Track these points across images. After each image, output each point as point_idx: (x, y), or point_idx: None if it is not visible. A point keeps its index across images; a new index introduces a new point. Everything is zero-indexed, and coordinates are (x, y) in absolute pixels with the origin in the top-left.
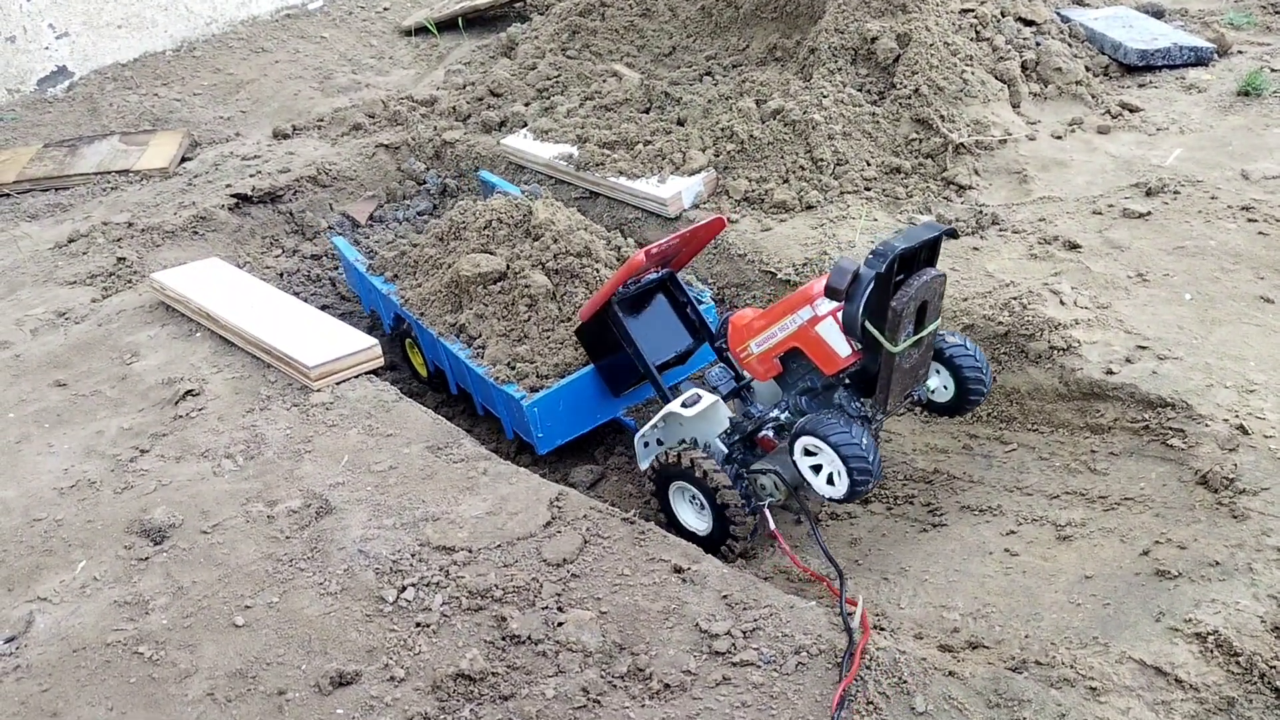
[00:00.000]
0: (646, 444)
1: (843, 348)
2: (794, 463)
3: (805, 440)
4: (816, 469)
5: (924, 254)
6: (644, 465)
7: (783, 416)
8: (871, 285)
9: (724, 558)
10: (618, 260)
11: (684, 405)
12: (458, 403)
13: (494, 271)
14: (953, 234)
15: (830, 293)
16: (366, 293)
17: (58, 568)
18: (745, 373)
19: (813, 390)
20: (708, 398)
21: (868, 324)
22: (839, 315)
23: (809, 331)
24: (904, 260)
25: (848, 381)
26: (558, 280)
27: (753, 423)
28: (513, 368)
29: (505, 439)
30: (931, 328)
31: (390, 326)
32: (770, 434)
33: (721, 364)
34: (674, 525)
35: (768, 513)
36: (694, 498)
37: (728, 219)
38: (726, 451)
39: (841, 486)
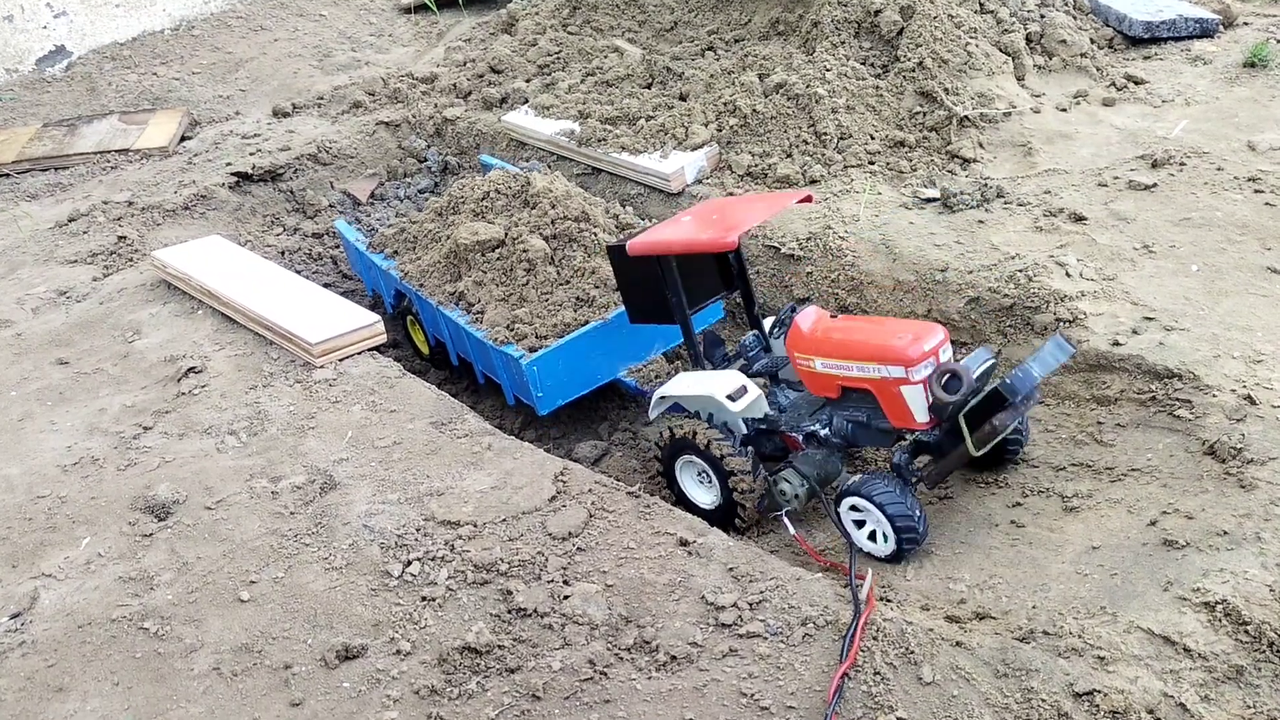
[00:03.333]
0: (663, 397)
1: (921, 415)
2: (837, 516)
3: (855, 500)
4: (860, 524)
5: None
6: (654, 415)
7: (822, 431)
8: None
9: (736, 531)
10: (616, 226)
11: (730, 398)
12: (461, 378)
13: (492, 239)
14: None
15: (948, 380)
16: (368, 272)
17: (62, 544)
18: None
19: (864, 425)
20: (753, 391)
21: (964, 424)
22: (929, 385)
23: (893, 388)
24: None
25: (908, 438)
26: (555, 245)
27: (785, 424)
28: (511, 329)
29: (509, 419)
30: (1001, 436)
31: (392, 305)
32: (799, 437)
33: (755, 333)
34: (678, 497)
35: (787, 520)
36: (701, 472)
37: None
38: (746, 434)
39: (887, 548)
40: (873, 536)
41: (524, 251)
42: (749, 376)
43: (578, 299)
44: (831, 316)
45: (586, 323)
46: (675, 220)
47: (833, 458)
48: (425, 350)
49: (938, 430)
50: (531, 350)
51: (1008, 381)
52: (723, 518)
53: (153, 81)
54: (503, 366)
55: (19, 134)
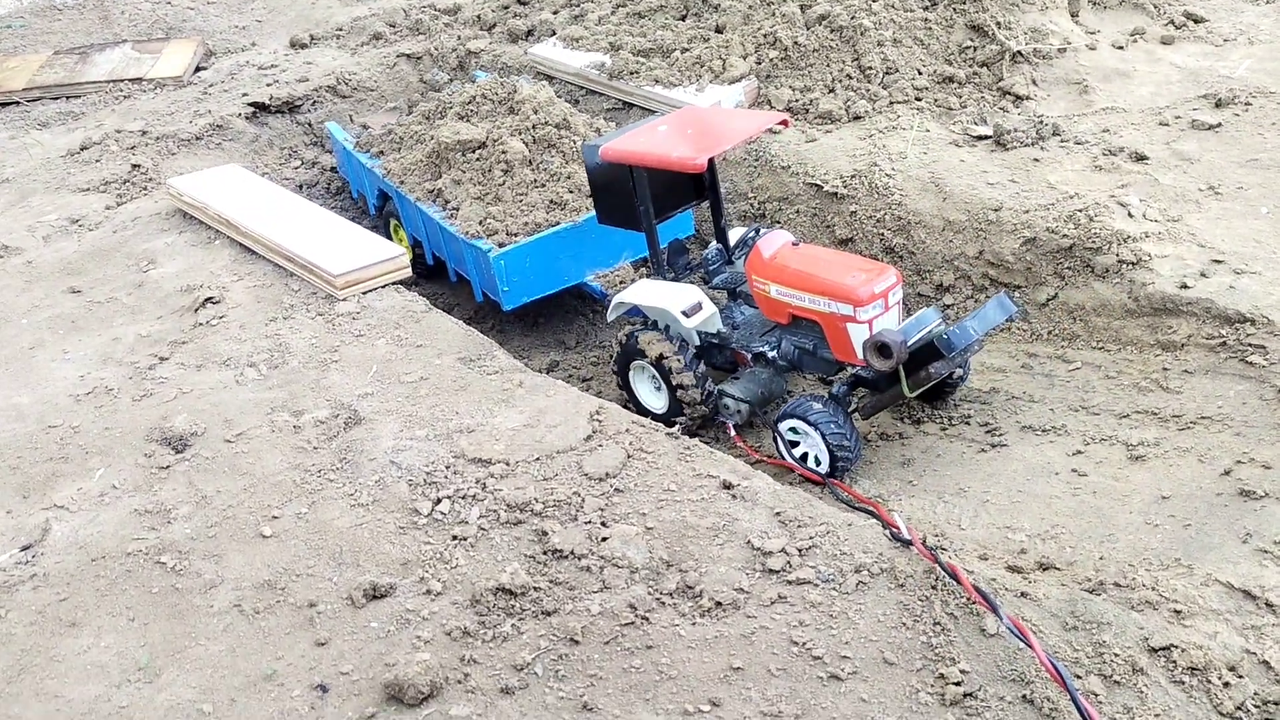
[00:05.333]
0: (622, 302)
1: (861, 352)
2: (775, 439)
3: (793, 422)
4: (794, 444)
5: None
6: (611, 317)
7: (770, 353)
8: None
9: (688, 431)
10: (596, 133)
11: (685, 314)
12: (487, 318)
13: (473, 140)
14: (1023, 316)
15: (880, 350)
16: (354, 173)
17: (75, 475)
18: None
19: (810, 353)
20: (708, 308)
21: (900, 369)
22: (874, 326)
23: (839, 324)
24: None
25: (849, 371)
26: (535, 149)
27: (737, 342)
28: (483, 225)
29: (536, 359)
30: (934, 381)
31: (375, 206)
32: (749, 355)
33: (720, 247)
34: (632, 399)
35: (731, 428)
36: (653, 377)
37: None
38: (699, 345)
39: (822, 469)
40: (805, 459)
41: (503, 153)
42: (708, 289)
43: (551, 201)
44: (794, 245)
45: (558, 224)
46: (651, 128)
47: (777, 379)
48: (409, 254)
49: None
50: (501, 246)
51: (946, 336)
52: (673, 418)
53: (166, 10)
54: (472, 261)
55: (30, 61)
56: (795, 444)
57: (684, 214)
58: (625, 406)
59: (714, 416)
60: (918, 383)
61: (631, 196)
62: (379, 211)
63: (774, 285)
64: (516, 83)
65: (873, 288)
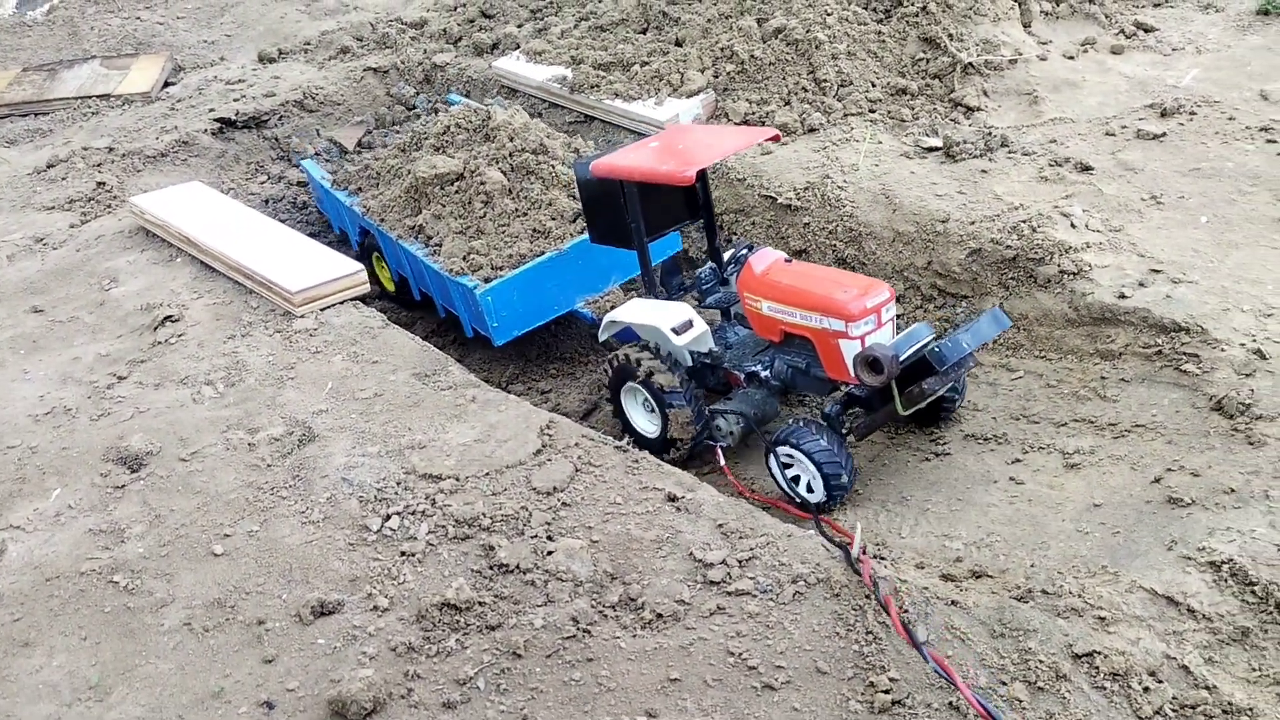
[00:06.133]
0: (614, 321)
1: (852, 369)
2: (768, 466)
3: (785, 449)
4: (787, 465)
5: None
6: (604, 337)
7: (763, 373)
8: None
9: (674, 462)
10: (576, 155)
11: (675, 330)
12: (448, 331)
13: (450, 172)
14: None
15: (871, 365)
16: (334, 210)
17: (32, 495)
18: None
19: (803, 372)
20: (699, 325)
21: (893, 385)
22: (866, 342)
23: (831, 340)
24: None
25: (842, 390)
26: (513, 177)
27: (730, 361)
28: (467, 260)
29: (497, 372)
30: (930, 400)
31: (357, 242)
32: (741, 375)
33: (713, 265)
34: (623, 422)
35: (720, 452)
36: (645, 400)
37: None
38: (691, 365)
39: (816, 496)
40: (797, 482)
41: (481, 184)
42: (702, 308)
43: (534, 230)
44: (786, 261)
45: (543, 253)
46: (642, 145)
47: (771, 399)
48: (390, 287)
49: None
50: (487, 281)
51: (938, 350)
52: (663, 447)
53: (136, 26)
54: (460, 298)
55: None
56: (789, 468)
57: (674, 234)
58: (622, 434)
59: (706, 439)
60: (911, 400)
61: (623, 213)
62: (361, 246)
63: (766, 302)
64: (490, 109)
65: (864, 303)
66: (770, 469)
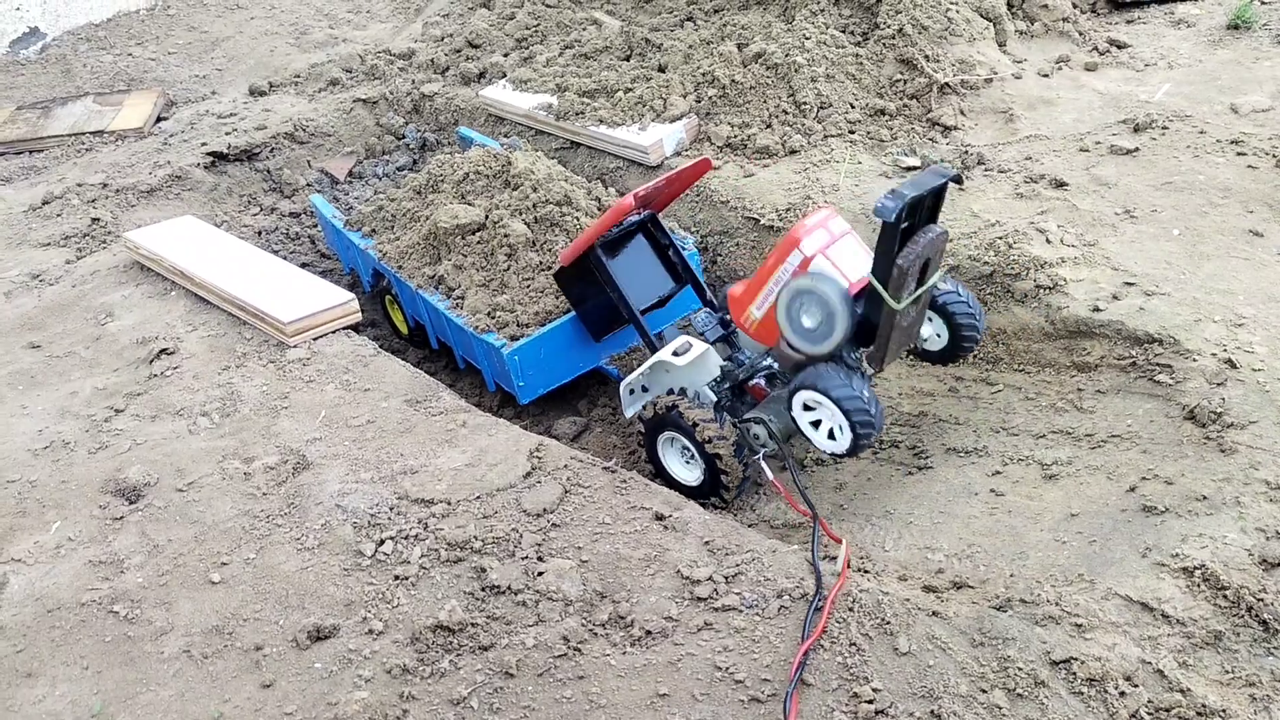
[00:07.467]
0: (632, 391)
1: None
2: (792, 419)
3: (805, 395)
4: (816, 424)
5: (929, 202)
6: (630, 413)
7: (776, 365)
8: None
9: (714, 508)
10: (598, 208)
11: (675, 354)
12: (439, 358)
13: (472, 222)
14: (958, 180)
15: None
16: (345, 250)
17: (32, 529)
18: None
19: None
20: (698, 345)
21: (872, 279)
22: (829, 252)
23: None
24: (910, 209)
25: None
26: (537, 229)
27: (744, 370)
28: (493, 317)
29: (488, 394)
30: (931, 283)
31: (370, 284)
32: (761, 382)
33: (707, 309)
34: (663, 477)
35: (764, 463)
36: (684, 449)
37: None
38: (716, 399)
39: (844, 441)
40: (833, 435)
41: (505, 236)
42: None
43: None
44: None
45: (569, 311)
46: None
47: None
48: (404, 330)
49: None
50: (513, 339)
51: (877, 206)
52: (711, 490)
53: (128, 62)
54: (484, 354)
55: None
56: (816, 423)
57: (673, 302)
58: (655, 478)
59: (748, 454)
60: (896, 283)
61: (603, 290)
62: (373, 288)
63: (753, 307)
64: (510, 155)
65: (804, 223)
66: (792, 417)
